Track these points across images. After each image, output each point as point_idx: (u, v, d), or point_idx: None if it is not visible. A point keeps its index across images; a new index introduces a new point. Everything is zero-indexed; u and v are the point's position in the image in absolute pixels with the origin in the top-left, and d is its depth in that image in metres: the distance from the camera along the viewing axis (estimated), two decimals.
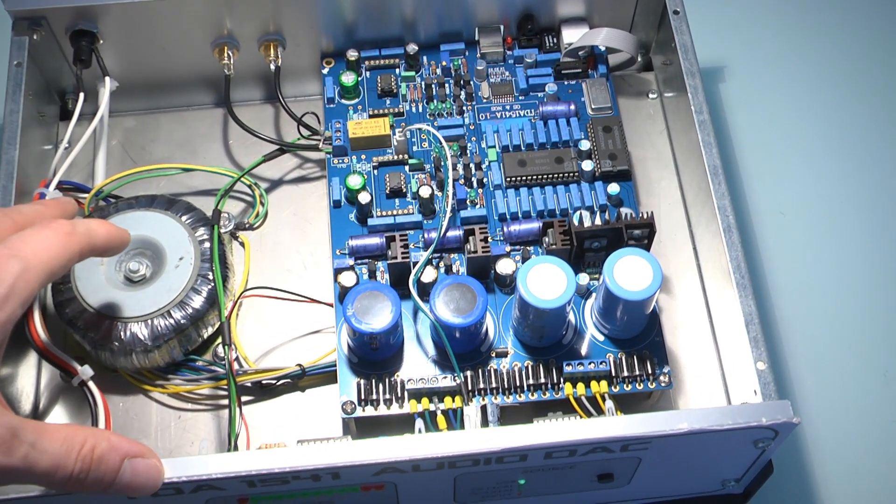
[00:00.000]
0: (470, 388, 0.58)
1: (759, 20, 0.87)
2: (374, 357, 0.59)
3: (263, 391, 0.63)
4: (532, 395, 0.59)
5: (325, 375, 0.62)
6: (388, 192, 0.66)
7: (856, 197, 0.78)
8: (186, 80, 0.73)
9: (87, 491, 0.46)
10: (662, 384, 0.59)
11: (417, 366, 0.60)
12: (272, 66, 0.70)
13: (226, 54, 0.70)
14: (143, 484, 0.47)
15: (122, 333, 0.60)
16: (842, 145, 0.80)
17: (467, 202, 0.65)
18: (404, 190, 0.66)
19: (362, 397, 0.58)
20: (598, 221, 0.61)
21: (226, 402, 0.62)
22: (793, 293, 0.74)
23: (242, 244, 0.68)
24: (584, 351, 0.60)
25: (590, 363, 0.58)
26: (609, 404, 0.58)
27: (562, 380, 0.58)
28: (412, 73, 0.71)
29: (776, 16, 0.88)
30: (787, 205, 0.78)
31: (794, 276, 0.74)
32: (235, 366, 0.61)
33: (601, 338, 0.60)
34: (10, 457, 0.42)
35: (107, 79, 0.69)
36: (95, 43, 0.69)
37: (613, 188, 0.64)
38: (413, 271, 0.60)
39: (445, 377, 0.58)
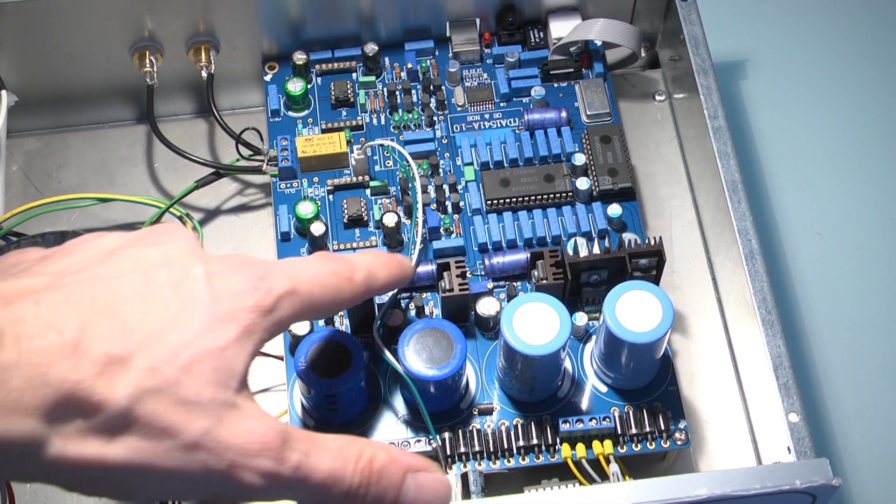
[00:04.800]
0: (448, 452, 0.59)
1: (784, 5, 0.88)
2: (334, 419, 0.60)
3: None
4: (523, 459, 0.60)
5: None
6: (346, 220, 0.67)
7: None
8: (101, 91, 0.74)
9: None
10: (678, 442, 0.60)
11: (385, 427, 0.60)
12: (204, 74, 0.71)
13: (147, 60, 0.71)
14: (428, 502, 0.48)
15: None
16: (889, 153, 0.81)
17: (441, 231, 0.66)
18: (366, 218, 0.67)
19: None
20: (596, 250, 0.62)
21: None
22: (833, 331, 0.74)
23: None
24: (584, 405, 0.61)
25: (591, 419, 0.59)
26: (614, 468, 0.59)
27: (558, 440, 0.59)
28: (372, 78, 0.72)
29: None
30: (825, 224, 0.78)
31: (835, 310, 0.75)
32: None
33: (604, 389, 0.61)
34: (282, 465, 0.43)
35: (3, 92, 0.70)
36: None
37: (615, 210, 0.66)
38: (377, 314, 0.62)
39: (419, 440, 0.59)
